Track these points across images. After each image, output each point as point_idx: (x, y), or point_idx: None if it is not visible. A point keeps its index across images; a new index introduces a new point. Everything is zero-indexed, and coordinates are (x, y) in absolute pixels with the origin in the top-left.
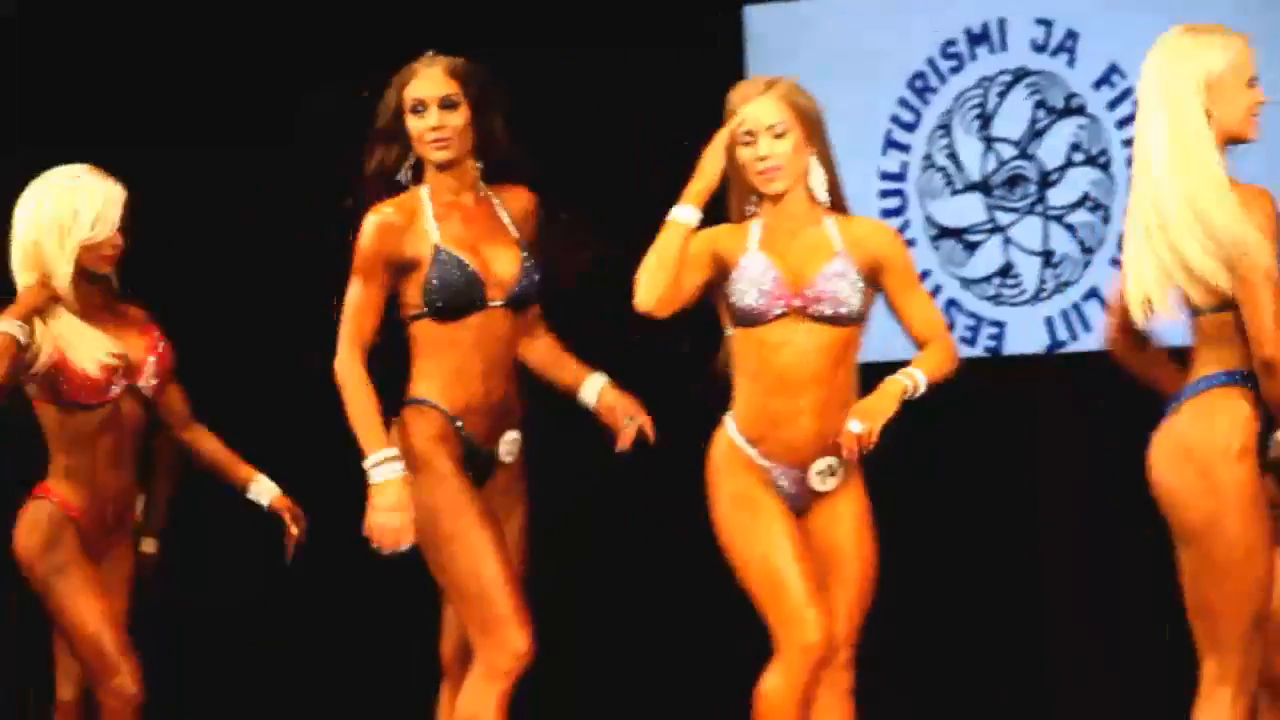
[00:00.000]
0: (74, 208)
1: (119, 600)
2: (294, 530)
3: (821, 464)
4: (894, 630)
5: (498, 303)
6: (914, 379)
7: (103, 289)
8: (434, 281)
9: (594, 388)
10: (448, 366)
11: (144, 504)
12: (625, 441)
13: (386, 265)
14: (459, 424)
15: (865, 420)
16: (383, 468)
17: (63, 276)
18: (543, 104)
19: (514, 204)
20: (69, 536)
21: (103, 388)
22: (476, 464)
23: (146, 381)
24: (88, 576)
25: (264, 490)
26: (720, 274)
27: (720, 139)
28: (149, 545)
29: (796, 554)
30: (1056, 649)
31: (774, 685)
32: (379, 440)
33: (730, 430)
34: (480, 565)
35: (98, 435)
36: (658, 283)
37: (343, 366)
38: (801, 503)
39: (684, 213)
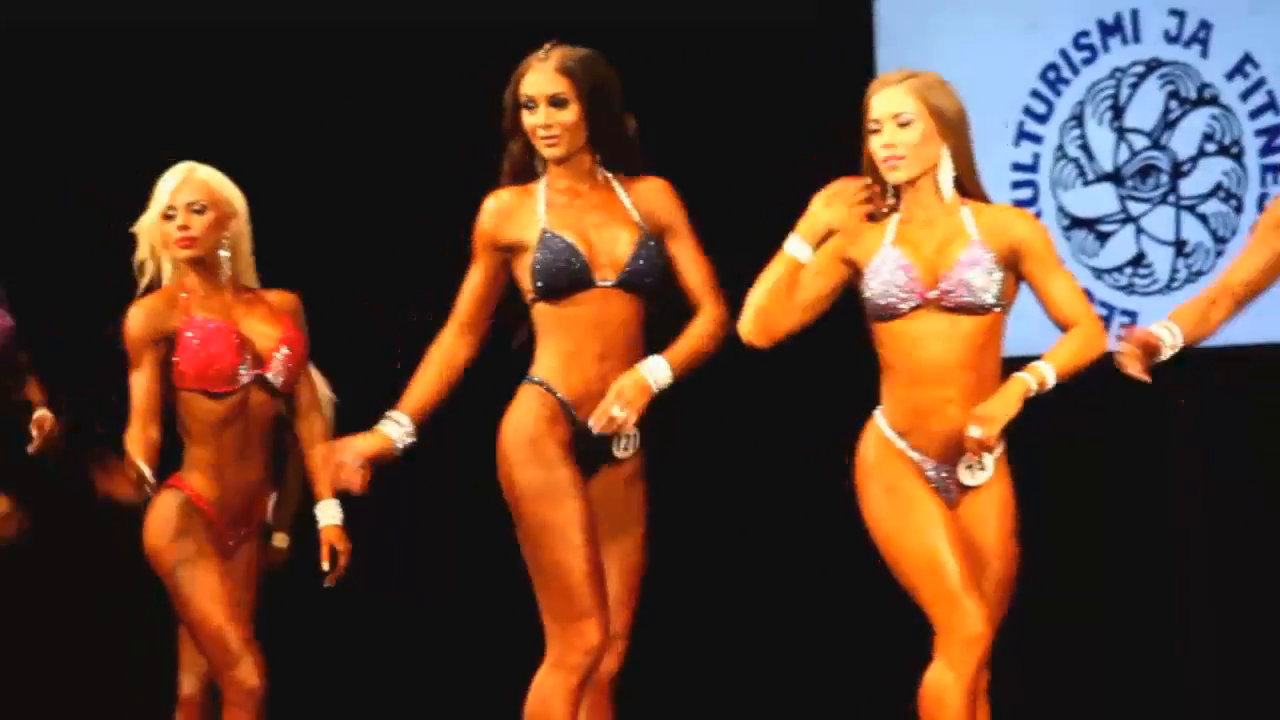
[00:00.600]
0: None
1: (246, 593)
2: (340, 561)
3: (970, 457)
4: (1026, 630)
5: (609, 282)
6: (1039, 375)
7: (218, 276)
8: (538, 262)
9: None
10: (562, 349)
11: (277, 498)
12: None
13: (494, 247)
14: (572, 409)
15: (983, 426)
16: (384, 422)
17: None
18: (667, 92)
19: (641, 191)
20: (197, 528)
21: (228, 377)
22: (587, 452)
23: (275, 372)
24: (214, 568)
25: (328, 513)
26: (854, 275)
27: (833, 187)
28: (280, 540)
29: (953, 546)
30: (1196, 654)
31: (941, 678)
32: (404, 400)
33: (880, 423)
34: (567, 557)
35: (224, 425)
36: (764, 315)
37: (438, 337)
38: (950, 496)
39: (798, 249)
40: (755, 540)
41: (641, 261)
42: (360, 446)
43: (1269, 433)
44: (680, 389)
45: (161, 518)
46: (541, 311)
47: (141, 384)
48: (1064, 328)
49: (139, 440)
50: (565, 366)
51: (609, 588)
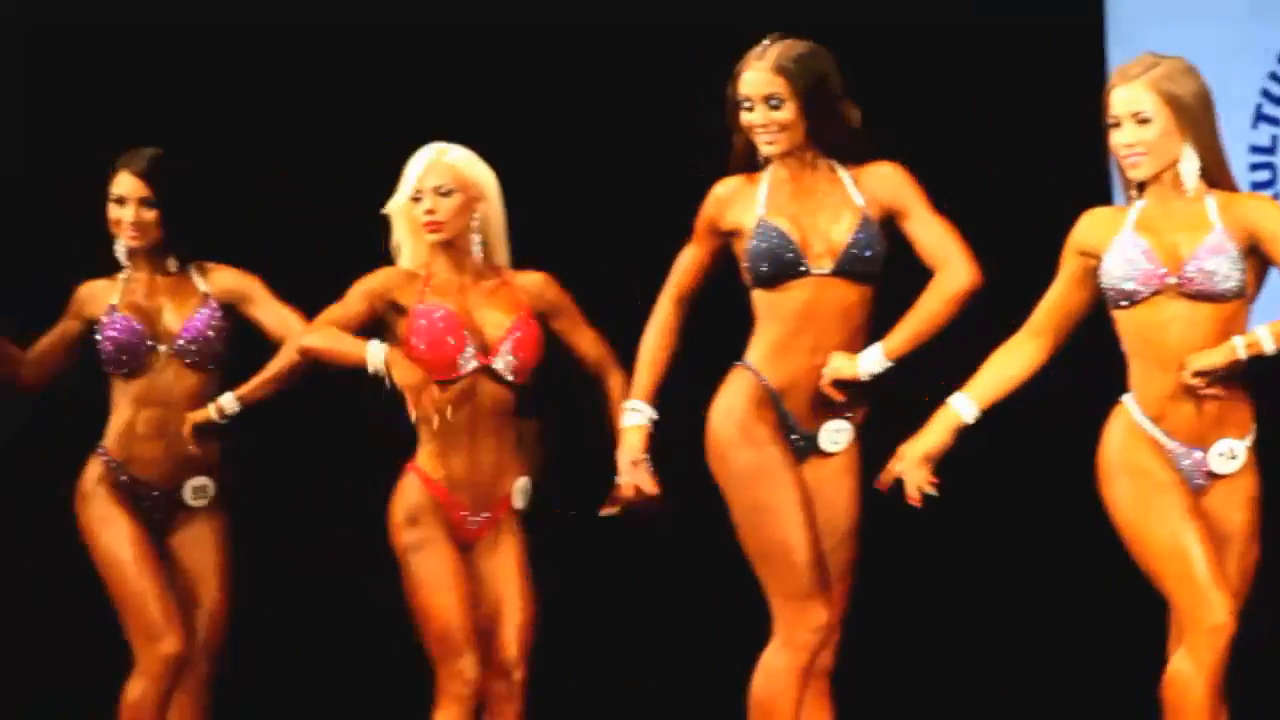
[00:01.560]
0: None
1: (508, 582)
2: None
3: (1223, 445)
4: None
5: (824, 270)
6: (1252, 338)
7: (465, 259)
8: (752, 250)
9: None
10: (774, 336)
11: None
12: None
13: (712, 231)
14: (779, 397)
15: (1200, 360)
16: (628, 414)
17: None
18: (902, 90)
19: (867, 176)
20: (428, 514)
21: (447, 364)
22: (791, 444)
23: (503, 360)
24: (445, 556)
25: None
26: (1095, 264)
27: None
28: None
29: (1201, 534)
30: None
31: (1184, 669)
32: (637, 385)
33: (1131, 409)
34: (789, 535)
35: (452, 410)
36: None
37: (655, 311)
38: (1199, 484)
39: (964, 408)
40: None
41: (858, 249)
42: (638, 448)
43: None
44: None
45: (397, 502)
46: (758, 298)
47: (349, 310)
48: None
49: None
50: (774, 354)
51: None
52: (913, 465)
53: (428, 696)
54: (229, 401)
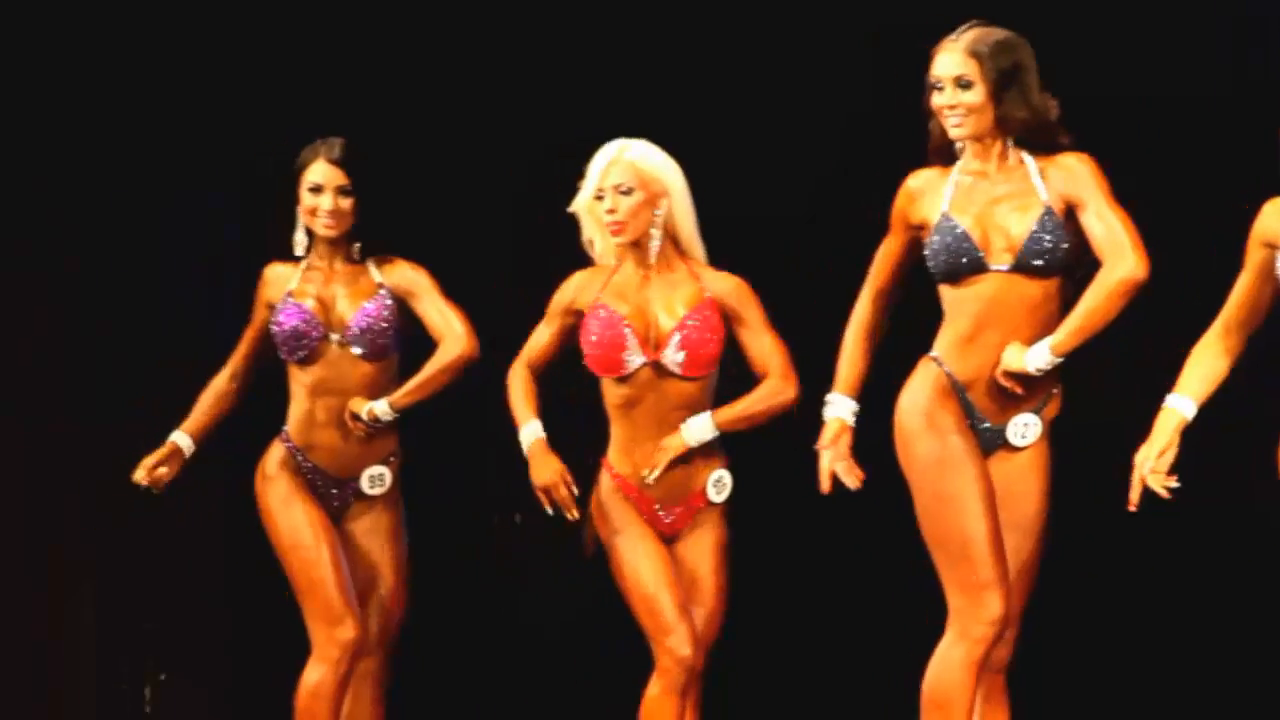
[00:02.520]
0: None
1: (705, 572)
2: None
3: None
4: None
5: (1003, 267)
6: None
7: (648, 256)
8: (932, 245)
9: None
10: (960, 329)
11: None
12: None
13: (904, 224)
14: (963, 389)
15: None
16: (826, 406)
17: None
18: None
19: (1055, 168)
20: (618, 503)
21: (612, 364)
22: (979, 435)
23: (670, 356)
24: (644, 538)
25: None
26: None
27: None
28: None
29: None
30: None
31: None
32: (837, 378)
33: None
34: (969, 525)
35: (630, 406)
36: None
37: (855, 305)
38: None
39: (1184, 406)
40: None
41: (1038, 244)
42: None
43: None
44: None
45: (595, 494)
46: (944, 291)
47: (540, 336)
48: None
49: (515, 376)
50: (957, 348)
51: None
52: (1150, 470)
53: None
54: (383, 409)
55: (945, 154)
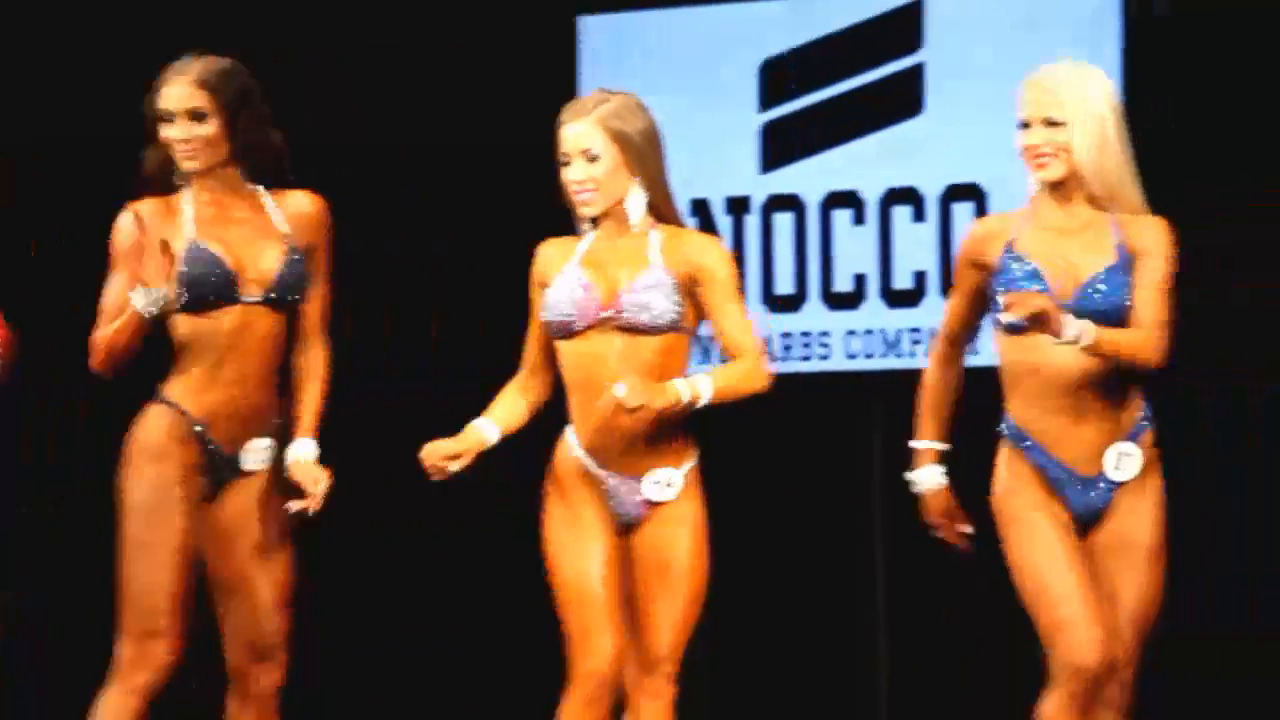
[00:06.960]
0: None
1: None
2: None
3: (658, 474)
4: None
5: (254, 298)
6: (694, 389)
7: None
8: (183, 275)
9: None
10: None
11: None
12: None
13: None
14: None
15: (632, 393)
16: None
17: None
18: None
19: (289, 204)
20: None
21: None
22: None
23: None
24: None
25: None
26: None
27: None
28: None
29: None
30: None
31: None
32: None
33: (570, 440)
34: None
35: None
36: None
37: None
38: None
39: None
40: None
41: (288, 276)
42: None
43: None
44: None
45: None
46: (180, 321)
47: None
48: (730, 358)
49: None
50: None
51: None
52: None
53: None
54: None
55: (162, 185)
